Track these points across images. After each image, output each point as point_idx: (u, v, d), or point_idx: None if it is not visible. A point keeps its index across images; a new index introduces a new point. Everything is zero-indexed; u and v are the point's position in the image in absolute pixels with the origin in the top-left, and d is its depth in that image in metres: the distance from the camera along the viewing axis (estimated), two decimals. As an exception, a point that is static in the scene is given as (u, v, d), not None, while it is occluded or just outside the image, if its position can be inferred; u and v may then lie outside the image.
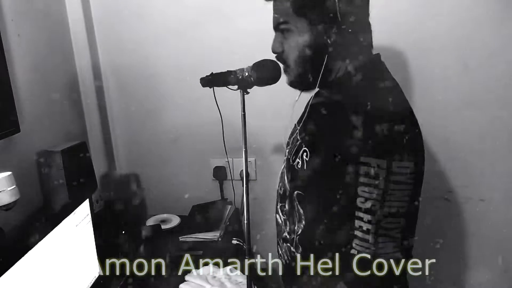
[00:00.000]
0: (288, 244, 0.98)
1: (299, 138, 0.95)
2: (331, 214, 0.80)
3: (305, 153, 0.88)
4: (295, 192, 0.91)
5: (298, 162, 0.89)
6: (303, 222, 0.91)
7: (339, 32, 0.83)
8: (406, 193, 0.74)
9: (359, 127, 0.76)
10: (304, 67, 0.89)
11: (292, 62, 0.89)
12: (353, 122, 0.77)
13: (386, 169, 0.72)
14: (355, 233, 0.75)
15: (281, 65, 0.92)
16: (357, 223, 0.75)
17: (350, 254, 0.76)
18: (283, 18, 0.87)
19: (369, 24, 0.89)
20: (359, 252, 0.75)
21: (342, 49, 0.85)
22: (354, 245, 0.75)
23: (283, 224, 1.00)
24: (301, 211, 0.90)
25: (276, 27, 0.90)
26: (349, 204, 0.75)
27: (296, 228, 0.94)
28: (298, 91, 0.98)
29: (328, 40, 0.83)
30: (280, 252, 1.05)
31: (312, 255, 0.90)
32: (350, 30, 0.83)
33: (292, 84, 0.94)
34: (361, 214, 0.74)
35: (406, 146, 0.76)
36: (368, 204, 0.73)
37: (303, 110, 1.08)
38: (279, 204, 1.02)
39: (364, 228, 0.74)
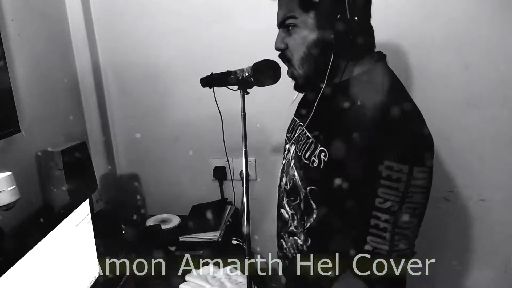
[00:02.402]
0: (296, 238, 0.99)
1: (310, 136, 0.95)
2: (347, 211, 0.82)
3: (323, 153, 0.88)
4: (308, 188, 0.92)
5: (314, 161, 0.89)
6: (314, 216, 0.92)
7: (346, 30, 0.82)
8: (423, 196, 0.78)
9: (381, 132, 0.78)
10: (309, 65, 0.89)
11: (296, 59, 0.89)
12: (374, 126, 0.79)
13: (408, 174, 0.75)
14: (369, 230, 0.77)
15: (286, 66, 0.92)
16: (373, 221, 0.77)
17: (365, 250, 0.78)
18: (290, 14, 0.87)
19: (371, 26, 0.89)
20: (374, 248, 0.77)
21: (349, 49, 0.85)
22: (369, 241, 0.77)
23: (290, 218, 1.01)
24: (314, 205, 0.91)
25: (281, 23, 0.90)
26: (367, 203, 0.78)
27: (304, 222, 0.94)
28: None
29: (335, 39, 0.83)
30: (285, 246, 1.05)
31: (322, 248, 0.91)
32: (356, 29, 0.82)
33: (297, 88, 0.94)
34: (378, 214, 0.77)
35: (425, 151, 0.79)
36: (387, 205, 0.76)
37: (297, 104, 1.08)
38: (286, 199, 1.02)
39: (381, 227, 0.77)
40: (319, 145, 0.90)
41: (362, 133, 0.80)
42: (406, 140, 0.77)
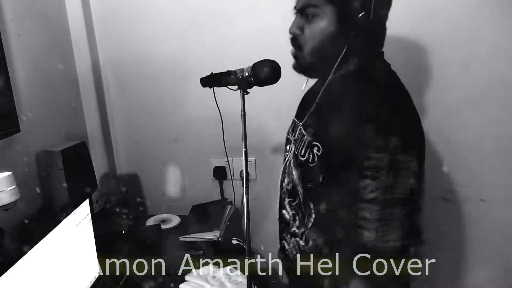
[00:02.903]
0: (297, 239, 0.99)
1: (305, 133, 0.95)
2: (338, 206, 0.83)
3: (315, 148, 0.89)
4: (305, 186, 0.92)
5: (310, 157, 0.90)
6: (313, 216, 0.92)
7: (366, 29, 0.83)
8: (408, 185, 0.77)
9: (364, 123, 0.78)
10: (319, 56, 0.89)
11: (309, 48, 0.89)
12: (358, 117, 0.79)
13: (389, 163, 0.75)
14: (358, 222, 0.77)
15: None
16: (361, 213, 0.77)
17: (357, 243, 0.78)
18: (312, 1, 0.87)
19: (386, 26, 0.91)
20: (365, 241, 0.77)
21: (359, 45, 0.86)
22: (359, 234, 0.77)
23: (291, 219, 1.01)
24: (311, 205, 0.91)
25: (301, 9, 0.90)
26: (354, 195, 0.78)
27: (306, 222, 0.95)
28: (299, 85, 0.98)
29: (353, 35, 0.84)
30: (287, 247, 1.05)
31: (321, 249, 0.92)
32: (375, 29, 0.84)
33: (298, 69, 0.94)
34: (364, 205, 0.77)
35: (408, 140, 0.78)
36: (371, 196, 0.76)
37: (298, 105, 1.08)
38: (287, 200, 1.02)
39: (368, 218, 0.77)
40: (312, 140, 0.91)
41: (348, 124, 0.80)
42: (388, 130, 0.76)
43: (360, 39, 0.84)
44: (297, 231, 0.99)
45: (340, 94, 0.90)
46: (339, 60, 0.86)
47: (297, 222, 0.99)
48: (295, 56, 0.93)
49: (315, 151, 0.88)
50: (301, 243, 0.98)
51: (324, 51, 0.88)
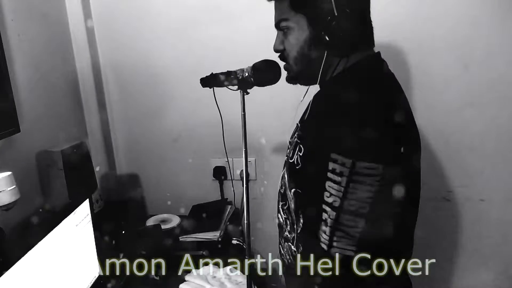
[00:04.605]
0: (289, 244, 0.99)
1: (296, 136, 0.96)
2: (309, 209, 0.82)
3: (300, 149, 0.89)
4: (292, 190, 0.92)
5: (296, 159, 0.90)
6: (301, 221, 0.91)
7: (337, 28, 0.82)
8: (368, 195, 0.73)
9: (335, 125, 0.78)
10: (304, 65, 0.89)
11: (292, 60, 0.89)
12: (333, 119, 0.79)
13: (350, 168, 0.73)
14: (320, 224, 0.77)
15: (282, 63, 0.93)
16: (324, 215, 0.76)
17: (321, 247, 0.77)
18: (283, 16, 0.87)
19: (370, 21, 0.88)
20: (320, 243, 0.76)
21: (341, 46, 0.85)
22: (319, 235, 0.77)
23: (284, 223, 1.00)
24: (299, 210, 0.91)
25: (277, 25, 0.90)
26: (319, 197, 0.77)
27: (295, 227, 0.94)
28: (301, 92, 0.98)
29: (327, 37, 0.83)
30: (282, 251, 1.05)
31: (309, 256, 0.90)
32: (348, 26, 0.82)
33: (290, 80, 0.94)
34: (326, 208, 0.76)
35: (378, 147, 0.74)
36: (331, 199, 0.75)
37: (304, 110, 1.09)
38: (280, 204, 1.02)
39: (327, 221, 0.76)
40: (299, 142, 0.91)
41: (320, 126, 0.81)
42: (356, 132, 0.74)
43: (337, 40, 0.83)
44: (288, 236, 0.98)
45: (324, 97, 0.90)
46: (323, 63, 0.86)
47: (288, 227, 0.98)
48: (286, 69, 0.93)
49: (299, 152, 0.88)
50: (293, 248, 0.97)
51: (305, 59, 0.88)
